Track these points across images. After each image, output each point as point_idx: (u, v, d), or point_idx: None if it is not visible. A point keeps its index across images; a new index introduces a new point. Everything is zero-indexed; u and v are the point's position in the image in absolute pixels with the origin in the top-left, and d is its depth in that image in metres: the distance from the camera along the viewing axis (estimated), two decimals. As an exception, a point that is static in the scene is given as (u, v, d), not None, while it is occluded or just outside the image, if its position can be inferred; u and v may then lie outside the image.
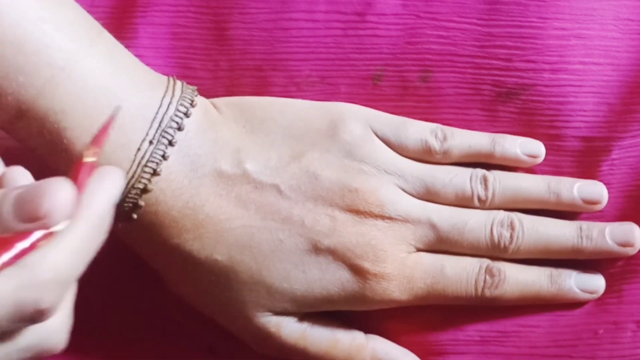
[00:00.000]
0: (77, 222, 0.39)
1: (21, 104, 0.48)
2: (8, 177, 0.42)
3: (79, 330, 0.55)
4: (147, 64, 0.53)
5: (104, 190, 0.41)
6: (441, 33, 0.55)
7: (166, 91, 0.51)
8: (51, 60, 0.49)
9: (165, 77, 0.52)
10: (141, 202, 0.50)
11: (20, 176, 0.42)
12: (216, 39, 0.56)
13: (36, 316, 0.39)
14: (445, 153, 0.54)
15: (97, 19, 0.52)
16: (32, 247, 0.39)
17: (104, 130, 0.43)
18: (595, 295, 0.54)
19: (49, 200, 0.38)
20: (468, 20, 0.55)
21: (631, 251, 0.53)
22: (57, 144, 0.49)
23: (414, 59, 0.55)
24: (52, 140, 0.49)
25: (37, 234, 0.39)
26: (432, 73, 0.55)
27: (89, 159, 0.41)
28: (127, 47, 0.53)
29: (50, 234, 0.39)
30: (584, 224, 0.54)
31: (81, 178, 0.40)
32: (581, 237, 0.53)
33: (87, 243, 0.40)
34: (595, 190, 0.54)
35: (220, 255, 0.51)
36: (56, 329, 0.41)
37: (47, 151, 0.50)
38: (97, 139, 0.43)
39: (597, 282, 0.54)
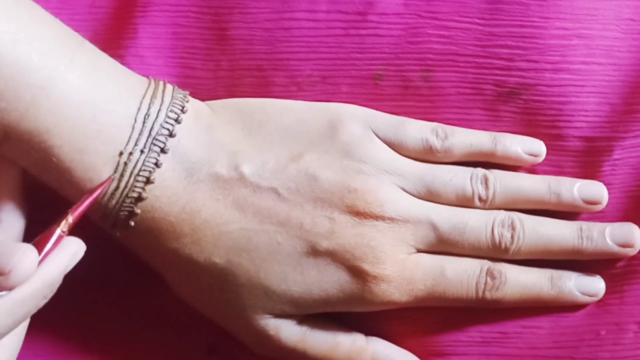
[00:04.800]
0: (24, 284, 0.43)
1: (5, 128, 0.47)
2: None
3: (79, 330, 0.56)
4: (148, 64, 0.53)
5: (59, 262, 0.45)
6: (443, 33, 0.55)
7: (155, 98, 0.51)
8: (31, 82, 0.47)
9: (154, 83, 0.51)
10: (137, 210, 0.50)
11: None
12: (217, 38, 0.56)
13: None
14: (447, 151, 0.54)
15: (97, 19, 0.52)
16: None
17: (81, 204, 0.47)
18: (595, 298, 0.54)
19: (16, 261, 0.43)
20: (470, 19, 0.55)
21: (631, 252, 0.53)
22: (47, 162, 0.48)
23: (416, 58, 0.55)
24: (41, 159, 0.48)
25: None
26: (433, 73, 0.55)
27: (62, 229, 0.46)
28: (127, 47, 0.53)
29: None
30: (585, 225, 0.53)
31: (47, 245, 0.45)
32: (581, 238, 0.53)
33: (21, 305, 0.44)
34: (596, 191, 0.54)
35: (218, 258, 0.51)
36: None
37: (38, 170, 0.49)
38: (74, 211, 0.47)
39: (597, 285, 0.54)
